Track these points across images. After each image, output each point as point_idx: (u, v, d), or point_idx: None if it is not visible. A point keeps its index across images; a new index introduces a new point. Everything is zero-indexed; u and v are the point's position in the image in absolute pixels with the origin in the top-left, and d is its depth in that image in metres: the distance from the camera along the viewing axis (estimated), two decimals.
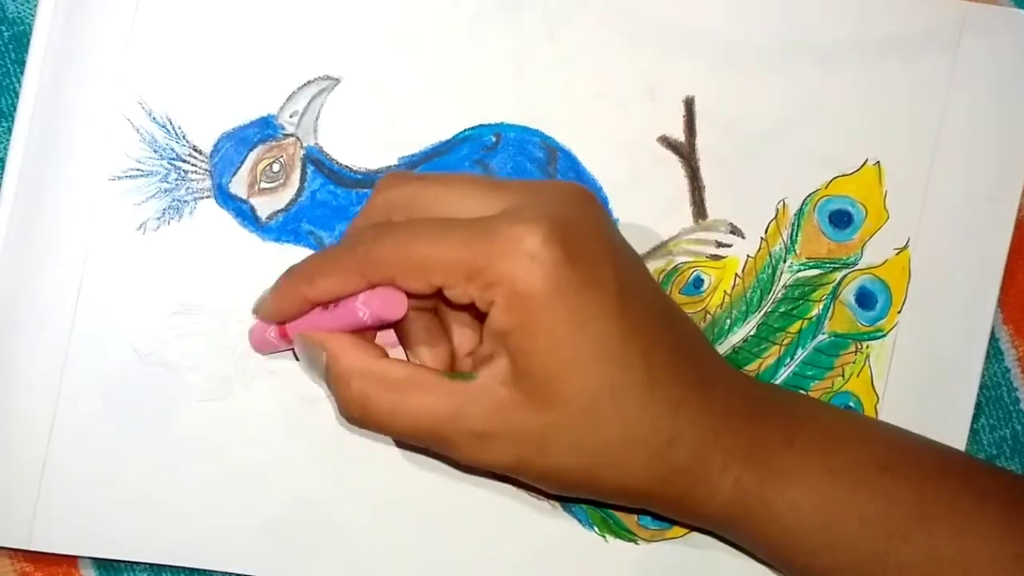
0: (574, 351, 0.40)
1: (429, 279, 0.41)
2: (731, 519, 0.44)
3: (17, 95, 0.48)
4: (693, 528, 0.47)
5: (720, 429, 0.42)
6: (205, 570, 0.49)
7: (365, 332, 0.44)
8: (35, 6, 0.48)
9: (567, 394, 0.41)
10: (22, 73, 0.48)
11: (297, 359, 0.46)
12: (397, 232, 0.42)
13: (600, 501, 0.46)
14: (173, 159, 0.48)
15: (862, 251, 0.49)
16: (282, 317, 0.45)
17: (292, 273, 0.44)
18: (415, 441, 0.43)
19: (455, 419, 0.41)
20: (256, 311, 0.46)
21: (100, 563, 0.49)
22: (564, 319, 0.40)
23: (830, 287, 0.49)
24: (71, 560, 0.48)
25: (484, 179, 0.44)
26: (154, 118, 0.48)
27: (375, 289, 0.42)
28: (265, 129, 0.48)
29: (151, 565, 0.49)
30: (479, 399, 0.41)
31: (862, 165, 0.49)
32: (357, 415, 0.43)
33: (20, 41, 0.49)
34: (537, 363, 0.40)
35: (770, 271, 0.49)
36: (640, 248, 0.49)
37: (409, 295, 0.42)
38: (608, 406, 0.41)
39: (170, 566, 0.48)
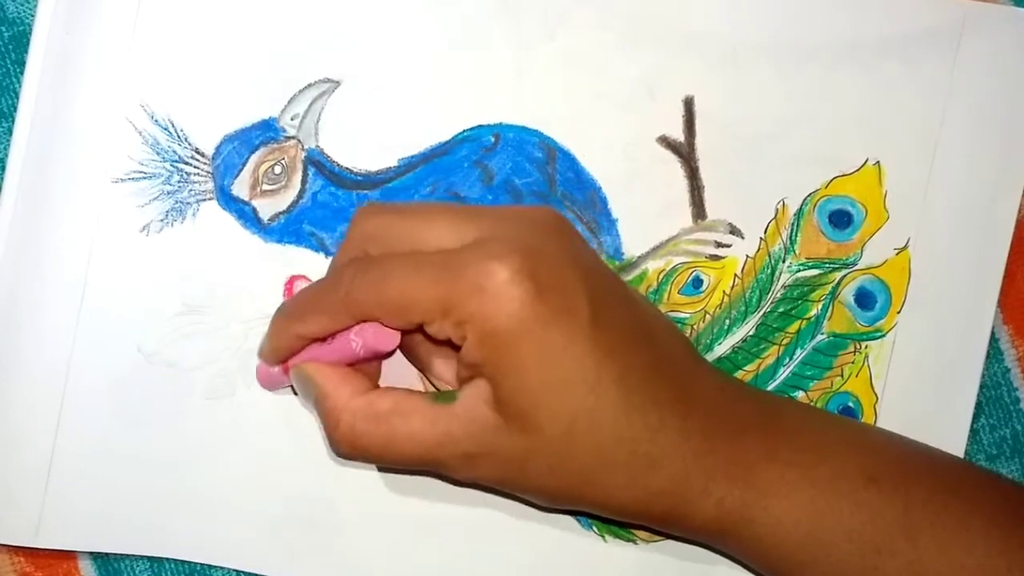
0: (544, 383, 0.41)
1: (409, 318, 0.42)
2: (716, 535, 0.44)
3: (17, 96, 0.48)
4: (683, 540, 0.47)
5: (700, 451, 0.42)
6: (206, 565, 0.49)
7: (364, 362, 0.45)
8: (35, 7, 0.48)
9: (542, 422, 0.41)
10: (22, 74, 0.48)
11: (296, 393, 0.47)
12: (371, 272, 0.42)
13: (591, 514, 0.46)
14: (175, 161, 0.49)
15: (862, 251, 0.49)
16: (281, 356, 0.45)
17: (283, 312, 0.45)
18: (407, 467, 0.44)
19: (443, 444, 0.42)
20: (259, 354, 0.47)
21: (100, 561, 0.49)
22: (533, 353, 0.40)
23: (829, 287, 0.49)
24: (71, 559, 0.49)
25: (456, 208, 0.44)
26: (156, 120, 0.48)
27: (366, 323, 0.43)
28: (267, 131, 0.49)
29: (151, 562, 0.49)
30: (464, 421, 0.42)
31: (862, 165, 0.49)
32: (347, 450, 0.43)
33: (20, 42, 0.49)
34: (510, 394, 0.41)
35: (769, 271, 0.49)
36: (639, 248, 0.49)
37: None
38: (584, 433, 0.41)
39: (170, 561, 0.49)
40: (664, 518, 0.43)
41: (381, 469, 0.49)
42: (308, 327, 0.44)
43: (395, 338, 0.43)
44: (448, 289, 0.40)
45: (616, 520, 0.46)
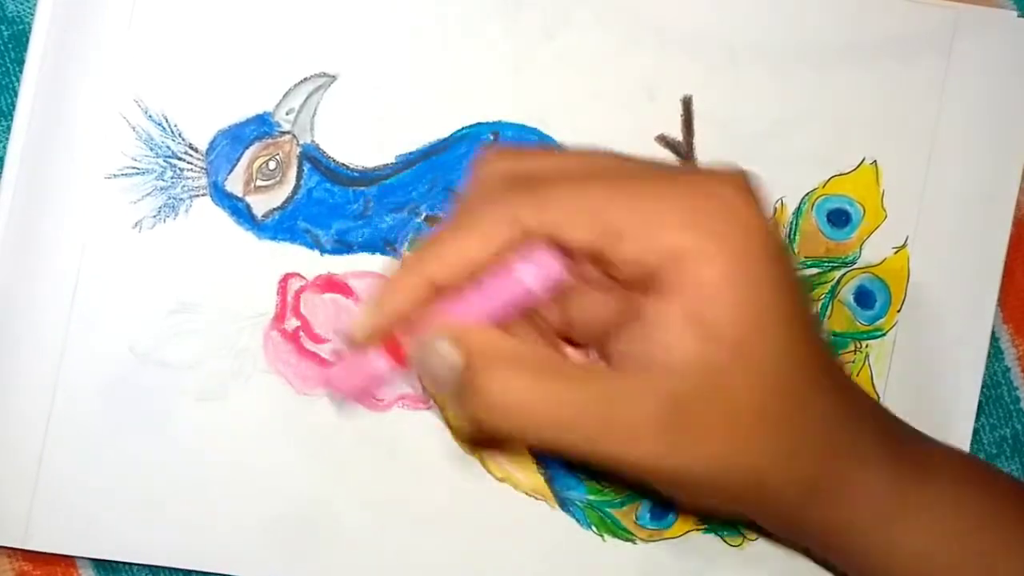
0: (769, 326, 0.36)
1: (604, 225, 0.35)
2: (846, 548, 0.41)
3: (16, 94, 0.48)
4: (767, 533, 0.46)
5: (864, 455, 0.40)
6: (204, 572, 0.48)
7: (523, 309, 0.37)
8: (34, 5, 0.48)
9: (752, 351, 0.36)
10: (21, 72, 0.48)
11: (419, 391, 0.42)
12: (586, 179, 0.36)
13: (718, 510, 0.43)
14: (169, 157, 0.48)
15: (860, 250, 0.49)
16: (394, 318, 0.37)
17: (408, 259, 0.38)
18: (560, 440, 0.37)
19: (610, 408, 0.36)
20: (353, 334, 0.38)
21: (99, 561, 0.48)
22: (775, 299, 0.36)
23: (828, 286, 0.49)
24: (69, 559, 0.48)
25: (623, 157, 0.39)
26: (150, 116, 0.48)
27: (532, 246, 0.35)
28: (261, 126, 0.48)
29: (149, 565, 0.48)
30: (640, 389, 0.36)
31: (859, 164, 0.49)
32: (500, 416, 0.36)
33: (19, 40, 0.49)
34: (727, 325, 0.35)
35: None
36: None
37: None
38: (778, 406, 0.37)
39: (167, 568, 0.48)
40: (797, 512, 0.40)
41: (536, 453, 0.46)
42: (449, 261, 0.35)
43: (566, 265, 0.35)
44: (697, 202, 0.35)
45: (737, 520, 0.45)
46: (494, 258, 0.35)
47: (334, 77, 0.48)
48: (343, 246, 0.48)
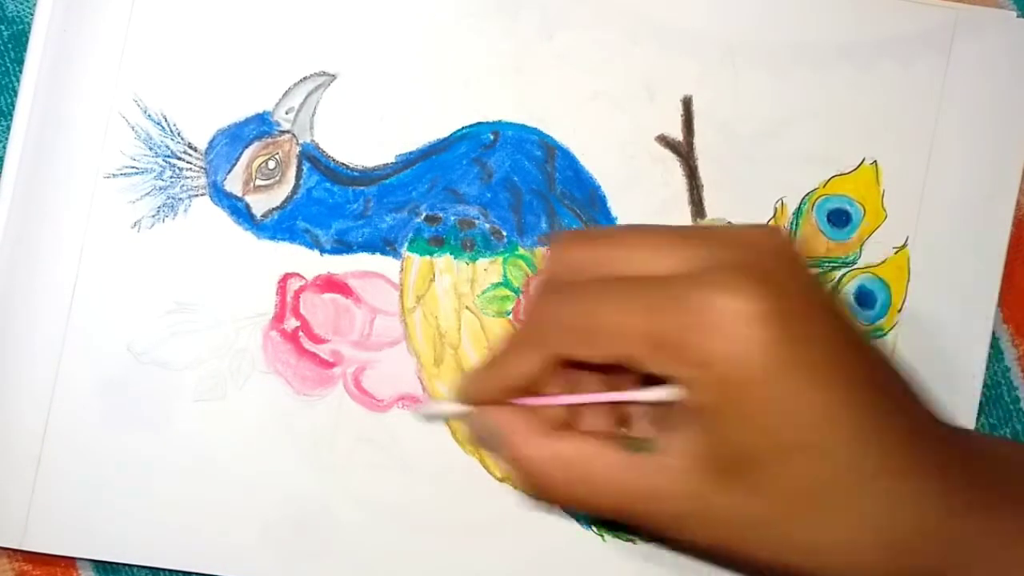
0: (792, 440, 0.35)
1: (612, 350, 0.36)
2: None
3: (16, 94, 0.48)
4: None
5: (967, 529, 0.37)
6: (202, 573, 0.48)
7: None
8: (34, 5, 0.48)
9: (781, 486, 0.36)
10: (21, 72, 0.48)
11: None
12: (582, 298, 0.37)
13: None
14: (168, 156, 0.48)
15: (860, 250, 0.49)
16: (480, 402, 0.40)
17: (487, 359, 0.41)
18: (607, 517, 0.41)
19: (648, 500, 0.37)
20: (457, 393, 0.42)
21: (99, 562, 0.48)
22: (780, 404, 0.35)
23: None
24: (69, 559, 0.48)
25: (671, 231, 0.38)
26: (149, 115, 0.48)
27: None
28: (261, 126, 0.48)
29: (148, 566, 0.48)
30: (671, 478, 0.37)
31: (859, 164, 0.49)
32: (540, 496, 0.42)
33: (19, 40, 0.49)
34: (742, 449, 0.36)
35: None
36: None
37: (584, 366, 0.38)
38: (834, 501, 0.36)
39: (166, 568, 0.48)
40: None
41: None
42: (503, 375, 0.39)
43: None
44: (672, 322, 0.35)
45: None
46: (534, 371, 0.39)
47: (334, 76, 0.48)
48: (343, 246, 0.48)
